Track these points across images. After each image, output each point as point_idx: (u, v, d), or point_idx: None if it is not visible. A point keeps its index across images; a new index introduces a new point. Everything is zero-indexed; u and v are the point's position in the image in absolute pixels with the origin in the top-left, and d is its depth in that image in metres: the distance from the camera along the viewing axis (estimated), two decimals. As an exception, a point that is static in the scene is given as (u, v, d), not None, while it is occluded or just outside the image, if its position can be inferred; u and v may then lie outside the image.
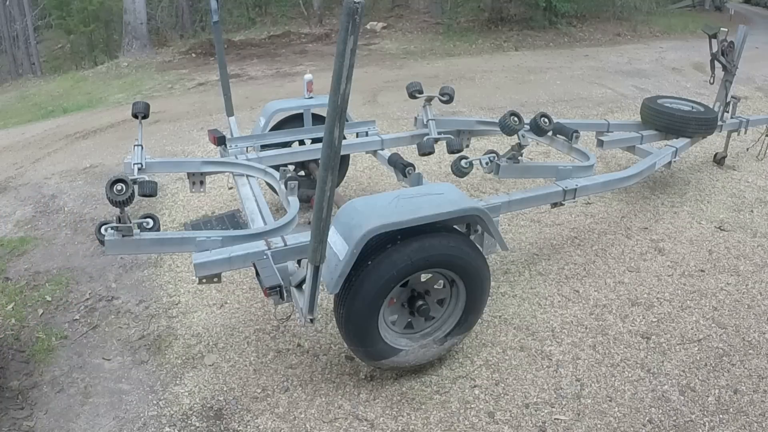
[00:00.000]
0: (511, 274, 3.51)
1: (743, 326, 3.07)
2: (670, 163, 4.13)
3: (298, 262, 2.53)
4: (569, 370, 2.74)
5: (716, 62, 4.60)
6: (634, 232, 4.04)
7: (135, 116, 3.38)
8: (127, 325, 3.11)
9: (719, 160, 5.25)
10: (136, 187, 2.54)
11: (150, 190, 2.70)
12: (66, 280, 3.51)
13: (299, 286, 2.36)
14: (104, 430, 2.44)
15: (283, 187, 3.00)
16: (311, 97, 3.95)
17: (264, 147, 3.75)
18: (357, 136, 4.01)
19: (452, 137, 3.76)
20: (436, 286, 2.57)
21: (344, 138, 2.90)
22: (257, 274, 2.32)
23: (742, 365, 2.80)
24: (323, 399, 2.57)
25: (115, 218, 2.38)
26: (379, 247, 2.28)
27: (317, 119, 3.94)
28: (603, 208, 4.41)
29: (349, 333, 2.40)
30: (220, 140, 3.58)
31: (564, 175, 3.32)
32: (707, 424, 2.46)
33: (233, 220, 3.31)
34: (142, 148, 3.28)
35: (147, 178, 2.83)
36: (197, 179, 3.47)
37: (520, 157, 3.22)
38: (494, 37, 13.02)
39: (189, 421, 2.47)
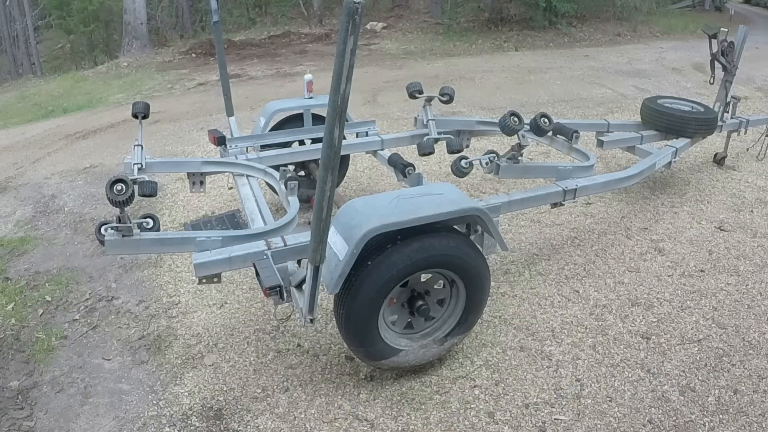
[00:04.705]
0: (511, 274, 3.51)
1: (743, 326, 3.07)
2: (670, 163, 4.13)
3: (298, 262, 2.53)
4: (569, 370, 2.74)
5: (716, 62, 4.60)
6: (634, 232, 4.04)
7: (135, 116, 3.38)
8: (127, 325, 3.11)
9: (719, 161, 5.25)
10: (136, 187, 2.54)
11: (150, 190, 2.70)
12: (66, 280, 3.51)
13: (299, 286, 2.36)
14: (104, 430, 2.44)
15: (283, 187, 3.00)
16: (311, 97, 3.94)
17: (264, 147, 3.75)
18: (357, 136, 4.01)
19: (452, 137, 3.76)
20: (436, 287, 2.57)
21: (344, 138, 2.90)
22: (257, 274, 2.32)
23: (742, 365, 2.80)
24: (323, 399, 2.57)
25: (115, 218, 2.38)
26: (379, 247, 2.28)
27: (317, 119, 3.94)
28: (603, 208, 4.41)
29: (349, 333, 2.40)
30: (220, 140, 3.58)
31: (564, 176, 3.32)
32: (707, 424, 2.46)
33: (233, 220, 3.31)
34: (142, 148, 3.28)
35: (147, 178, 2.83)
36: (197, 179, 3.47)
37: (520, 157, 3.22)
38: (494, 37, 13.02)
39: (189, 421, 2.47)
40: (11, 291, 3.42)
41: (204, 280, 2.42)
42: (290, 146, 3.93)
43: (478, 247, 2.61)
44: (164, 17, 17.20)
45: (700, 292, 3.37)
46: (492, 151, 3.23)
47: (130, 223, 2.40)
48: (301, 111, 3.94)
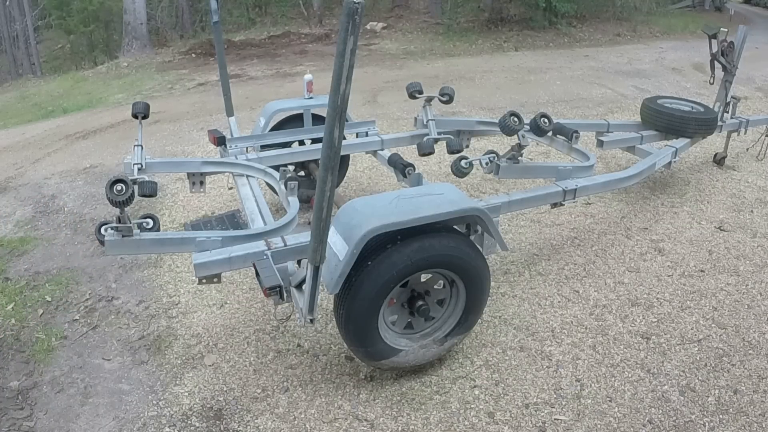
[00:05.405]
0: (511, 275, 3.51)
1: (743, 326, 3.07)
2: (670, 163, 4.13)
3: (298, 262, 2.53)
4: (569, 370, 2.74)
5: (716, 62, 4.60)
6: (634, 232, 4.04)
7: (135, 116, 3.38)
8: (127, 326, 3.11)
9: (719, 161, 5.25)
10: (136, 187, 2.53)
11: (150, 191, 2.69)
12: (66, 280, 3.51)
13: (299, 286, 2.36)
14: (104, 430, 2.44)
15: (283, 187, 3.00)
16: (311, 97, 3.94)
17: (264, 147, 3.75)
18: (357, 136, 4.01)
19: (452, 137, 3.76)
20: (436, 287, 2.57)
21: (344, 138, 2.90)
22: (257, 274, 2.32)
23: (742, 365, 2.80)
24: (323, 399, 2.57)
25: (115, 218, 2.38)
26: (379, 247, 2.28)
27: (317, 119, 3.94)
28: (603, 208, 4.41)
29: (349, 333, 2.40)
30: (220, 140, 3.59)
31: (564, 176, 3.32)
32: (707, 424, 2.46)
33: (233, 220, 3.31)
34: (142, 148, 3.28)
35: (147, 179, 2.83)
36: (197, 179, 3.47)
37: (520, 158, 3.22)
38: (494, 37, 13.02)
39: (189, 422, 2.47)
40: (11, 291, 3.42)
41: (204, 281, 2.42)
42: (290, 146, 3.93)
43: (478, 247, 2.61)
44: (164, 17, 17.20)
45: (700, 292, 3.37)
46: (492, 151, 3.23)
47: (130, 223, 2.40)
48: (301, 111, 3.94)
